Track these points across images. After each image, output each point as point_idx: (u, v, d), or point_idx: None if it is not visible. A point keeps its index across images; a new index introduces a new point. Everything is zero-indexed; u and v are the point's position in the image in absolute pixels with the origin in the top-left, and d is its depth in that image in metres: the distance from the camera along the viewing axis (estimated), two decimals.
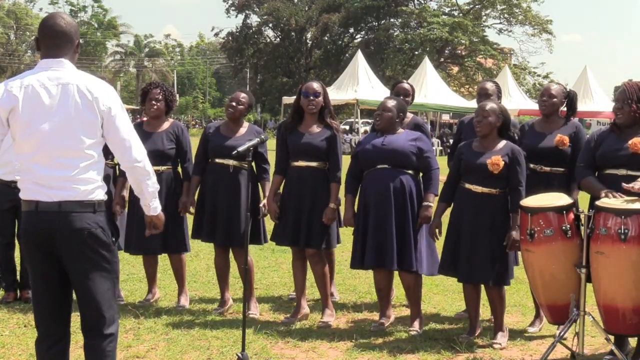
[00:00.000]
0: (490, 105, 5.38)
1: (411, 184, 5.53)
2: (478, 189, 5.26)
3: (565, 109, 5.78)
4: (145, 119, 6.32)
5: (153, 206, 3.70)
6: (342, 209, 5.85)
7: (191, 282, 6.96)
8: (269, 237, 6.06)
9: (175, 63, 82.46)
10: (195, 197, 6.11)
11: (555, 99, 5.66)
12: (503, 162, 5.19)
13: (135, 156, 3.53)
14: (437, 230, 5.46)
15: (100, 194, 3.50)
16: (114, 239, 3.55)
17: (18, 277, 6.35)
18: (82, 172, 3.42)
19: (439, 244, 5.60)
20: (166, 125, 6.18)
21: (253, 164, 5.78)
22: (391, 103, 5.68)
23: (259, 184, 6.04)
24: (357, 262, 5.60)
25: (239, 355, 4.51)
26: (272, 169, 5.97)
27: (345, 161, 5.60)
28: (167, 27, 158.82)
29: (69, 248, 3.41)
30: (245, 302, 4.93)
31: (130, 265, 7.58)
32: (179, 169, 6.23)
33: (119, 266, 3.64)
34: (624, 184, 4.71)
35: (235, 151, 4.98)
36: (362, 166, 5.67)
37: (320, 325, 5.70)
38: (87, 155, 3.44)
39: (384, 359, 5.01)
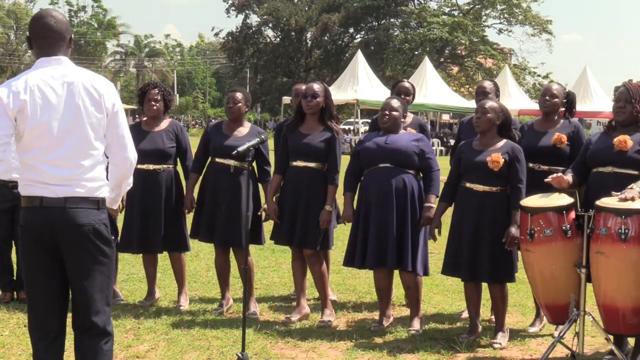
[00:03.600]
0: (489, 103, 5.41)
1: (413, 183, 5.53)
2: (479, 187, 5.26)
3: (563, 109, 5.81)
4: (144, 118, 6.33)
5: (118, 201, 3.79)
6: (340, 206, 5.85)
7: (191, 282, 6.96)
8: (267, 237, 6.07)
9: (175, 63, 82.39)
10: (195, 195, 6.10)
11: (556, 99, 5.69)
12: (503, 160, 5.20)
13: (131, 154, 3.61)
14: (436, 231, 5.47)
15: (104, 192, 3.55)
16: (113, 237, 3.60)
17: (14, 277, 6.31)
18: (88, 170, 3.47)
19: (441, 244, 5.58)
20: (165, 124, 6.20)
21: (254, 164, 5.79)
22: (397, 103, 5.71)
23: (260, 184, 6.03)
24: (358, 261, 5.58)
25: (239, 355, 4.51)
26: (272, 169, 5.98)
27: (345, 161, 5.62)
28: (167, 27, 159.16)
29: (72, 243, 3.45)
30: (246, 302, 4.93)
31: (130, 265, 7.58)
32: (179, 168, 6.25)
33: (115, 265, 3.67)
34: (613, 193, 4.74)
35: (235, 151, 5.01)
36: (363, 165, 5.67)
37: (320, 325, 5.70)
38: (94, 153, 3.49)
39: (384, 359, 5.01)
